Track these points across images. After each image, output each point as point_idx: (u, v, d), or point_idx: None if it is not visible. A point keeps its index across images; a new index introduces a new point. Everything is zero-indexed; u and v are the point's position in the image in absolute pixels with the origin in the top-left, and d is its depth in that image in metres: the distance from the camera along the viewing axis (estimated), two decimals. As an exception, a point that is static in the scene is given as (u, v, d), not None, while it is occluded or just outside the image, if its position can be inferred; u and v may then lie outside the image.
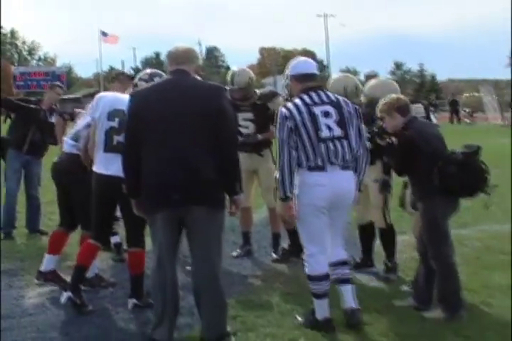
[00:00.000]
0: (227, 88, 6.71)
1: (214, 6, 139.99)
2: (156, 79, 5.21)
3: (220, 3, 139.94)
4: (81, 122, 5.90)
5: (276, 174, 4.67)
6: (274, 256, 6.82)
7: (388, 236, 6.05)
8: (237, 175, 4.36)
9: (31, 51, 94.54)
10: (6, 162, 8.09)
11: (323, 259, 4.64)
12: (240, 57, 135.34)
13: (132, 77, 5.95)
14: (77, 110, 6.06)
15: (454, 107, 38.19)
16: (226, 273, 6.22)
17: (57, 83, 8.06)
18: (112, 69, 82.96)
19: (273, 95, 6.87)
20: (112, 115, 5.20)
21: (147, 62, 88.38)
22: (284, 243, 6.86)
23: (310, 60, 5.03)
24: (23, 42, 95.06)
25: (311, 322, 4.67)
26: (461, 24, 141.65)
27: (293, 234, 6.66)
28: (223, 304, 4.43)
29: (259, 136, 6.72)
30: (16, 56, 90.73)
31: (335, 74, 6.53)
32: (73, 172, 5.55)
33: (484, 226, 7.98)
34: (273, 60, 75.93)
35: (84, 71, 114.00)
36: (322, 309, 4.62)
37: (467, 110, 39.56)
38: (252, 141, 6.71)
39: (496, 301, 5.23)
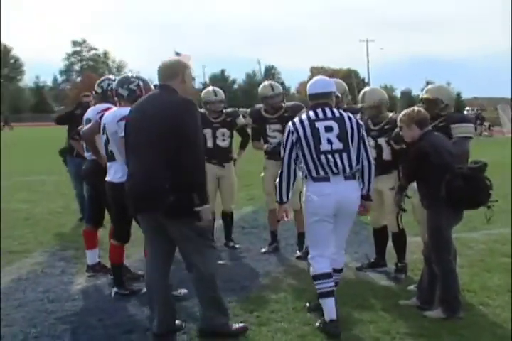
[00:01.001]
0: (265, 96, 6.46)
1: (272, 31, 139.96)
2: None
3: (278, 29, 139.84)
4: None
5: (277, 181, 4.46)
6: (298, 253, 6.47)
7: (400, 240, 5.68)
8: (194, 188, 3.80)
9: (119, 68, 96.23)
10: (67, 166, 8.08)
11: (322, 261, 4.34)
12: (293, 74, 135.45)
13: None
14: (80, 127, 5.76)
15: (481, 122, 37.08)
16: (252, 267, 6.07)
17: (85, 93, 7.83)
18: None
19: (299, 108, 6.52)
20: (103, 129, 4.96)
21: (214, 78, 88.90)
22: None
23: (321, 80, 4.61)
24: (113, 61, 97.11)
25: (321, 323, 4.28)
26: (486, 50, 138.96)
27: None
28: (213, 302, 4.11)
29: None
30: (106, 73, 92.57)
31: (367, 88, 6.09)
32: (97, 175, 5.24)
33: (490, 230, 7.43)
34: (321, 78, 75.32)
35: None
36: (329, 310, 4.23)
37: (486, 124, 38.52)
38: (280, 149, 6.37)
39: (493, 302, 4.83)
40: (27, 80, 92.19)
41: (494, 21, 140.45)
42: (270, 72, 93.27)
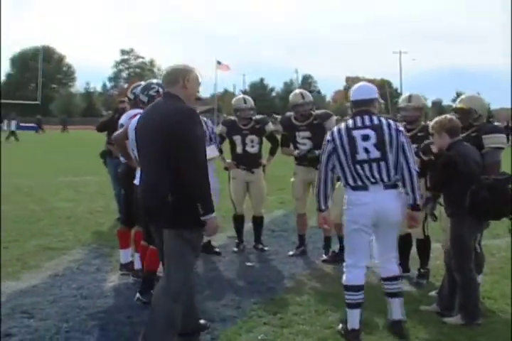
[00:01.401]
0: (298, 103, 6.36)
1: (310, 41, 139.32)
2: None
3: (315, 39, 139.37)
4: None
5: (315, 189, 4.29)
6: (324, 257, 6.36)
7: (424, 247, 5.54)
8: (199, 198, 3.53)
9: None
10: (107, 167, 8.12)
11: (357, 272, 4.10)
12: (329, 83, 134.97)
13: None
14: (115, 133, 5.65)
15: (508, 131, 36.38)
16: (279, 270, 5.99)
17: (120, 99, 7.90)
18: (225, 91, 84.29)
19: (328, 116, 6.42)
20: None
21: (253, 86, 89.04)
22: (336, 246, 6.40)
23: (364, 86, 4.35)
24: (158, 69, 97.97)
25: (343, 329, 4.15)
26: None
27: (342, 240, 6.26)
28: (162, 320, 3.62)
29: (316, 152, 6.30)
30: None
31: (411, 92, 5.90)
32: (129, 178, 5.13)
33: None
34: (356, 87, 74.70)
35: (204, 92, 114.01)
36: (352, 319, 4.06)
37: (512, 133, 37.80)
38: (311, 155, 6.29)
39: (510, 308, 4.66)
40: (78, 86, 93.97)
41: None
42: (307, 81, 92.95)
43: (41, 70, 62.16)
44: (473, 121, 4.81)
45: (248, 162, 6.63)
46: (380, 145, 4.04)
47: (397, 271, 4.25)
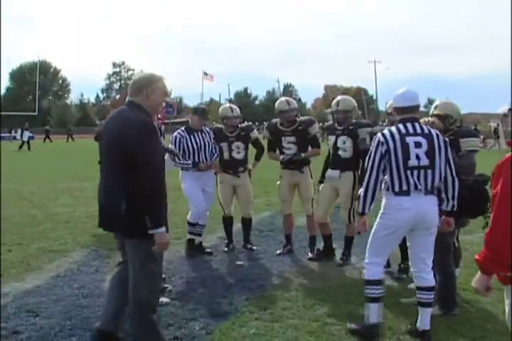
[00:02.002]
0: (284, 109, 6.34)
1: (291, 52, 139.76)
2: None
3: (296, 50, 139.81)
4: None
5: (361, 191, 4.00)
6: (309, 255, 6.37)
7: (405, 243, 5.49)
8: (148, 210, 3.23)
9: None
10: None
11: (376, 268, 4.03)
12: (308, 92, 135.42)
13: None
14: None
15: (497, 136, 36.78)
16: (267, 268, 5.98)
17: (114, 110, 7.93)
18: (211, 100, 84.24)
19: (311, 122, 6.44)
20: None
21: (238, 95, 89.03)
22: (320, 245, 6.40)
23: (409, 92, 4.07)
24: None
25: (363, 326, 4.03)
26: (480, 71, 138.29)
27: (326, 239, 6.32)
28: (136, 325, 3.49)
29: (302, 155, 6.33)
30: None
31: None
32: None
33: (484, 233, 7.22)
34: (335, 95, 74.92)
35: (191, 101, 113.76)
36: (372, 313, 3.99)
37: (481, 137, 38.18)
38: (298, 158, 6.31)
39: (484, 299, 4.69)
40: (73, 97, 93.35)
41: (492, 46, 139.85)
42: (288, 90, 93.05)
43: (38, 83, 61.82)
44: (449, 125, 4.83)
45: (234, 167, 6.61)
46: (430, 153, 3.90)
47: (433, 282, 4.06)
